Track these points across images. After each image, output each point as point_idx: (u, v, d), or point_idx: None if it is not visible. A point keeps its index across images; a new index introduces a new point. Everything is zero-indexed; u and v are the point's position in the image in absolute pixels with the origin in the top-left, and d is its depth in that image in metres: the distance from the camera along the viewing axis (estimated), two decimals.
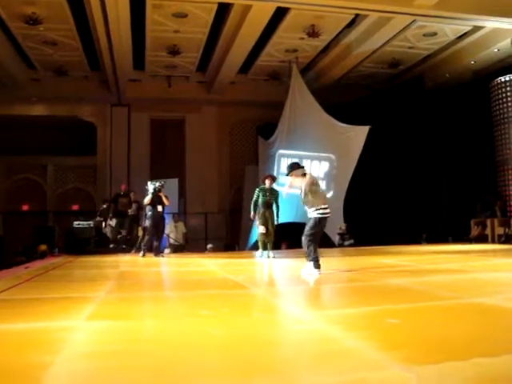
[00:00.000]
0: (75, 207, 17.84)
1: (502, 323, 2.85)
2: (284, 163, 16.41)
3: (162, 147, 19.01)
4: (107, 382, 1.95)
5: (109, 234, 13.45)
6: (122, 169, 18.19)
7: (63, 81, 16.74)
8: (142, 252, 9.90)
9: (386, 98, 15.42)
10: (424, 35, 13.76)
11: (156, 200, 9.96)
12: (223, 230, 18.73)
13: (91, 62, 15.78)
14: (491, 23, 12.03)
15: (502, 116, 13.19)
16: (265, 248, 9.26)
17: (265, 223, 9.08)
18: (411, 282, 4.88)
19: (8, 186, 18.26)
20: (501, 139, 13.24)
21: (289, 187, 6.14)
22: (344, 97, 16.33)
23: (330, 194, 14.71)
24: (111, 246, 13.01)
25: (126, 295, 4.62)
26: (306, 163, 15.37)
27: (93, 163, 18.78)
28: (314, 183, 5.84)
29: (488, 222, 12.62)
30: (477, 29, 13.05)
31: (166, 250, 12.23)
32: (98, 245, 13.03)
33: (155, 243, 10.02)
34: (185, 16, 12.60)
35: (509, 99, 13.05)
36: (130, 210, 13.04)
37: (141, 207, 12.43)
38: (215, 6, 12.09)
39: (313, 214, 5.68)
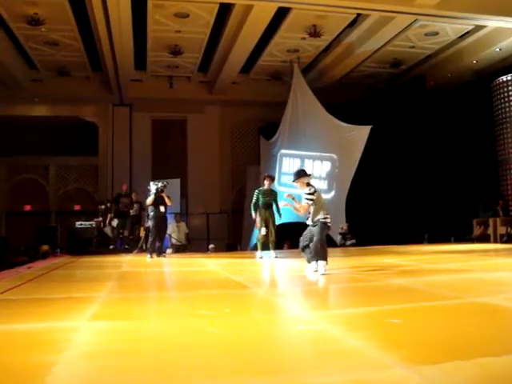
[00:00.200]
0: (77, 207, 17.88)
1: (505, 323, 2.84)
2: (286, 163, 16.43)
3: (164, 147, 19.04)
4: (110, 382, 1.96)
5: (109, 235, 13.47)
6: (123, 169, 18.21)
7: (65, 81, 16.78)
8: (149, 255, 9.87)
9: (387, 98, 15.41)
10: (426, 35, 13.76)
11: (158, 200, 9.96)
12: (225, 231, 18.76)
13: (93, 63, 15.82)
14: (493, 22, 12.03)
15: (503, 115, 13.18)
16: (264, 248, 9.26)
17: (265, 224, 9.08)
18: (413, 281, 4.87)
19: (10, 186, 18.31)
20: (503, 138, 13.23)
21: (288, 196, 6.10)
22: (346, 96, 16.34)
23: (331, 194, 14.72)
24: (111, 246, 13.02)
25: (128, 295, 4.62)
26: (307, 163, 15.40)
27: (94, 163, 18.83)
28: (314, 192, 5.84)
29: (490, 222, 12.60)
30: (478, 28, 13.05)
31: (168, 250, 12.24)
32: (100, 245, 13.06)
33: (157, 244, 10.02)
34: (186, 16, 12.62)
35: (511, 98, 13.03)
36: (132, 211, 13.04)
37: (143, 207, 12.44)
38: (217, 6, 12.11)
39: (318, 219, 5.65)
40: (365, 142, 13.75)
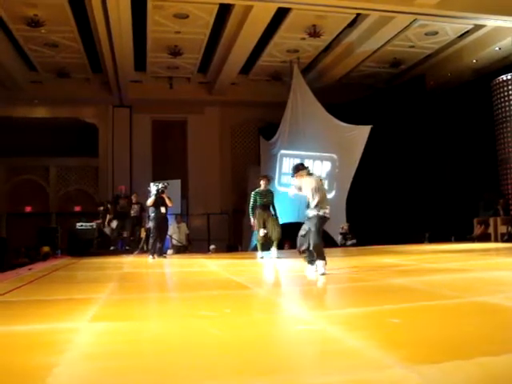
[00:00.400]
0: (78, 208, 17.89)
1: (505, 322, 2.85)
2: (286, 163, 16.43)
3: (164, 148, 19.04)
4: (111, 383, 1.96)
5: (109, 236, 13.48)
6: (123, 170, 18.22)
7: (65, 83, 16.78)
8: (150, 256, 9.85)
9: (387, 98, 15.41)
10: (425, 34, 13.75)
11: (159, 201, 9.96)
12: (226, 231, 18.74)
13: (93, 64, 15.82)
14: (492, 22, 12.03)
15: (503, 114, 13.17)
16: (264, 249, 9.24)
17: (264, 225, 9.04)
18: (413, 281, 4.88)
19: (10, 187, 18.30)
20: (503, 138, 13.22)
21: (298, 190, 6.08)
22: (345, 96, 16.33)
23: (332, 194, 14.71)
24: (112, 248, 13.03)
25: (129, 296, 4.63)
26: (308, 163, 15.36)
27: (95, 165, 18.83)
28: (321, 183, 5.86)
29: (491, 221, 12.60)
30: (478, 27, 13.04)
31: (169, 251, 12.25)
32: (100, 246, 13.06)
33: (158, 244, 10.03)
34: (186, 17, 12.61)
35: (510, 97, 13.03)
36: (132, 212, 13.05)
37: (143, 208, 12.45)
38: (216, 7, 12.10)
39: (314, 211, 5.64)
40: (365, 141, 13.75)
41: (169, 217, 10.97)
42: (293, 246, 12.69)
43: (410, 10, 11.37)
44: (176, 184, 15.90)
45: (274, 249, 9.06)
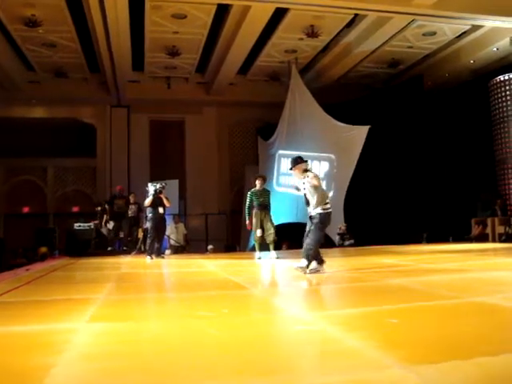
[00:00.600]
0: (75, 209, 17.87)
1: (503, 322, 2.85)
2: (284, 163, 16.42)
3: (162, 148, 19.03)
4: (109, 383, 1.96)
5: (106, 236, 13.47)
6: (121, 170, 18.21)
7: (62, 83, 16.77)
8: (148, 257, 9.82)
9: (385, 98, 15.43)
10: (423, 35, 13.78)
11: (157, 202, 9.94)
12: (224, 231, 18.75)
13: (90, 64, 15.80)
14: (490, 22, 12.05)
15: (501, 115, 13.20)
16: (262, 249, 9.25)
17: (261, 225, 9.05)
18: (411, 281, 4.88)
19: (8, 188, 18.27)
20: (500, 138, 13.25)
21: (296, 190, 6.10)
22: (343, 97, 16.35)
23: (330, 194, 14.70)
24: (109, 248, 13.01)
25: (127, 297, 4.63)
26: None
27: (93, 165, 18.82)
28: (319, 181, 5.86)
29: (488, 221, 12.62)
30: (476, 28, 13.07)
31: (167, 252, 12.23)
32: (98, 246, 13.04)
33: (156, 245, 10.01)
34: (184, 17, 12.61)
35: (508, 98, 13.06)
36: (130, 212, 13.02)
37: (141, 209, 12.43)
38: (214, 7, 12.11)
39: (318, 210, 5.65)
40: (363, 142, 13.75)
41: (167, 217, 10.95)
42: (291, 246, 12.73)
43: (408, 10, 11.39)
44: (174, 184, 15.90)
45: (272, 251, 9.09)
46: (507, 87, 13.07)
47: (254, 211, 9.10)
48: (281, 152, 16.65)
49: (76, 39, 13.75)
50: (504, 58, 14.05)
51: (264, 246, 9.31)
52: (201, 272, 7.30)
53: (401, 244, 12.03)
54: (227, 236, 18.76)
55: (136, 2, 11.60)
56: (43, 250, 12.11)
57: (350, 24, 13.38)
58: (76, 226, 12.91)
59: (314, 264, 5.65)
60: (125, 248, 12.96)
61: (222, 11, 12.42)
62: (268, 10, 11.98)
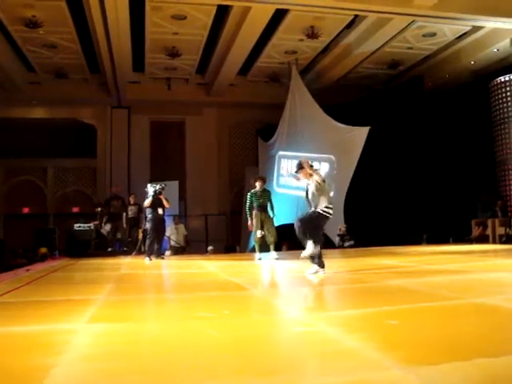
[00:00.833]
0: (75, 209, 17.87)
1: (503, 323, 2.85)
2: (284, 164, 16.42)
3: (162, 149, 19.03)
4: None
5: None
6: (121, 171, 18.21)
7: (63, 83, 16.77)
8: (147, 257, 9.78)
9: (385, 99, 15.41)
10: (423, 36, 13.78)
11: (156, 202, 9.93)
12: (224, 232, 18.75)
13: (91, 65, 15.81)
14: (490, 23, 12.05)
15: (501, 116, 13.20)
16: (263, 250, 9.25)
17: (261, 226, 9.06)
18: (411, 282, 4.88)
19: (8, 188, 18.27)
20: (500, 139, 13.25)
21: (297, 179, 6.12)
22: (344, 98, 16.34)
23: (330, 195, 14.69)
24: (109, 249, 13.01)
25: (127, 297, 4.62)
26: None
27: (93, 165, 18.82)
28: (324, 181, 5.86)
29: (489, 223, 12.61)
30: (476, 29, 13.06)
31: (167, 252, 12.24)
32: (98, 247, 13.04)
33: (156, 246, 10.01)
34: (184, 18, 12.61)
35: (508, 99, 13.05)
36: (130, 213, 13.03)
37: (141, 210, 12.42)
38: (214, 8, 12.11)
39: (318, 209, 5.65)
40: (363, 143, 13.73)
41: (166, 218, 10.96)
42: (291, 247, 12.72)
43: (408, 11, 11.38)
44: (174, 185, 15.90)
45: (272, 252, 9.09)
46: (507, 88, 13.06)
47: (254, 212, 9.12)
48: (281, 153, 16.65)
49: (76, 40, 13.75)
50: (504, 59, 14.05)
51: (264, 247, 9.31)
52: (201, 273, 7.30)
53: (401, 245, 12.03)
54: (227, 237, 18.76)
55: (136, 3, 11.60)
56: (43, 250, 12.12)
57: (350, 25, 13.38)
58: (76, 226, 12.91)
59: (315, 267, 5.66)
60: (125, 249, 12.96)
61: (222, 12, 12.42)
62: (268, 11, 11.99)
